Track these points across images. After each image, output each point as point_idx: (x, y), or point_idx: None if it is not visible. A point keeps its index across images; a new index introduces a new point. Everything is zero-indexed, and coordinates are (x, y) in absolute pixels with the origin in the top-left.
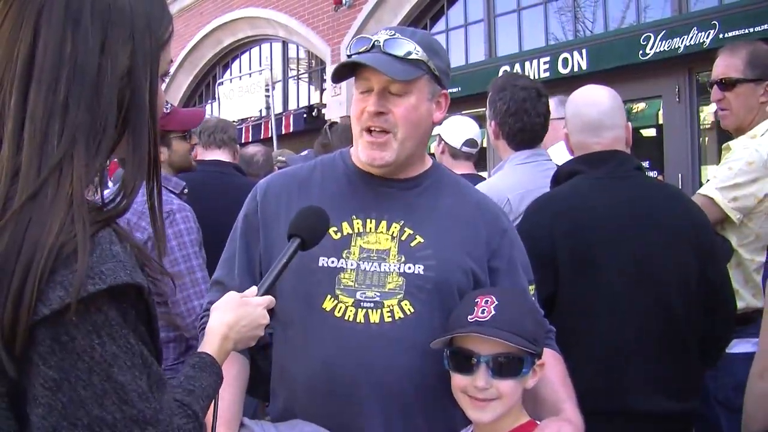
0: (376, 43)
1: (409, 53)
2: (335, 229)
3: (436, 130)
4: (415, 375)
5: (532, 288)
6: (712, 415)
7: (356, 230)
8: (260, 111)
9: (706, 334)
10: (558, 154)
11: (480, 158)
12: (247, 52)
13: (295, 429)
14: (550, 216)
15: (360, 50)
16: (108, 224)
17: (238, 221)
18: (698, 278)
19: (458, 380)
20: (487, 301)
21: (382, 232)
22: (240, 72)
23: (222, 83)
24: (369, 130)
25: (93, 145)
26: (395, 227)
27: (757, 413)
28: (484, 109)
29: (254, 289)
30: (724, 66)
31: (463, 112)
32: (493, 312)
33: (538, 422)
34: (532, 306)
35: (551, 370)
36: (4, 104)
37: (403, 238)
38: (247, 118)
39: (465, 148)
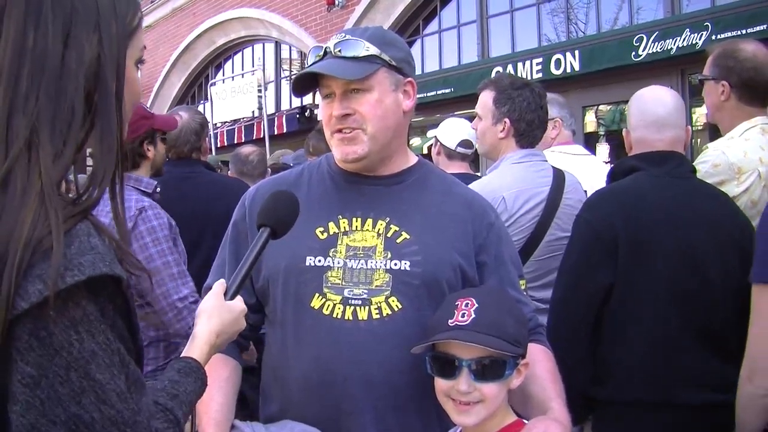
0: (327, 49)
1: (358, 50)
2: (322, 229)
3: (431, 133)
4: (405, 370)
5: (523, 282)
6: None
7: (342, 229)
8: (253, 112)
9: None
10: (548, 157)
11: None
12: (240, 53)
13: (285, 429)
14: (613, 208)
15: (315, 59)
16: (84, 217)
17: (228, 229)
18: (741, 283)
19: (441, 384)
20: (467, 304)
21: (368, 229)
22: (233, 72)
23: (214, 83)
24: (339, 131)
25: (59, 135)
26: (381, 224)
27: (749, 417)
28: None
29: (222, 281)
30: (706, 63)
31: (457, 112)
32: (474, 315)
33: (526, 421)
34: (512, 305)
35: (540, 366)
36: None
37: (389, 234)
38: (240, 119)
39: (460, 149)
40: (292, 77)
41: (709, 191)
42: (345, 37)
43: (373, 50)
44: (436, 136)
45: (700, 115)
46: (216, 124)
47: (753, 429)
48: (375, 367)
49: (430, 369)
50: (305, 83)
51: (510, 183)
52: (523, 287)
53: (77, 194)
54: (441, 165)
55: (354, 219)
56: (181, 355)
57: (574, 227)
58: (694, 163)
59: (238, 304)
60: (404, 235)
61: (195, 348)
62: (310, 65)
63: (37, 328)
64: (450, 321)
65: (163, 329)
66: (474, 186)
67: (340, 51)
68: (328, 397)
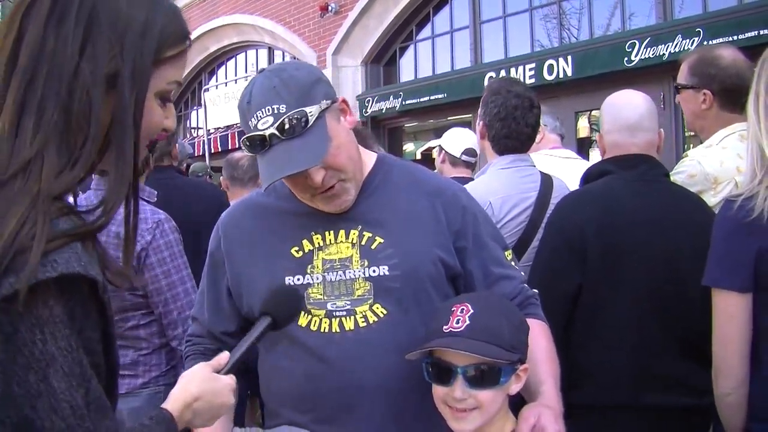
0: (267, 136)
1: (305, 123)
2: (297, 248)
3: (435, 142)
4: (399, 375)
5: (508, 254)
6: None
7: (317, 245)
8: None
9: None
10: (536, 160)
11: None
12: (233, 59)
13: None
14: (583, 211)
15: (258, 149)
16: (81, 240)
17: (207, 258)
18: (706, 288)
19: (438, 391)
20: (462, 310)
21: (341, 241)
22: (226, 78)
23: (208, 89)
24: (322, 192)
25: (67, 152)
26: (354, 233)
27: (724, 416)
28: (469, 115)
29: (225, 355)
30: (680, 71)
31: (449, 118)
32: (468, 322)
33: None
34: (509, 310)
35: (535, 343)
36: None
37: (363, 242)
38: (233, 125)
39: (465, 157)
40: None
41: (683, 194)
42: (278, 111)
43: (312, 110)
44: (440, 145)
45: None
46: (209, 130)
47: (733, 427)
48: (368, 374)
49: (427, 375)
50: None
51: (497, 188)
52: (509, 258)
53: (81, 211)
54: (445, 172)
55: (327, 233)
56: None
57: (544, 230)
58: (671, 173)
59: (225, 377)
60: (378, 239)
61: (171, 402)
62: (263, 157)
63: (3, 322)
64: (445, 327)
65: (163, 338)
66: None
67: (285, 132)
68: (323, 408)
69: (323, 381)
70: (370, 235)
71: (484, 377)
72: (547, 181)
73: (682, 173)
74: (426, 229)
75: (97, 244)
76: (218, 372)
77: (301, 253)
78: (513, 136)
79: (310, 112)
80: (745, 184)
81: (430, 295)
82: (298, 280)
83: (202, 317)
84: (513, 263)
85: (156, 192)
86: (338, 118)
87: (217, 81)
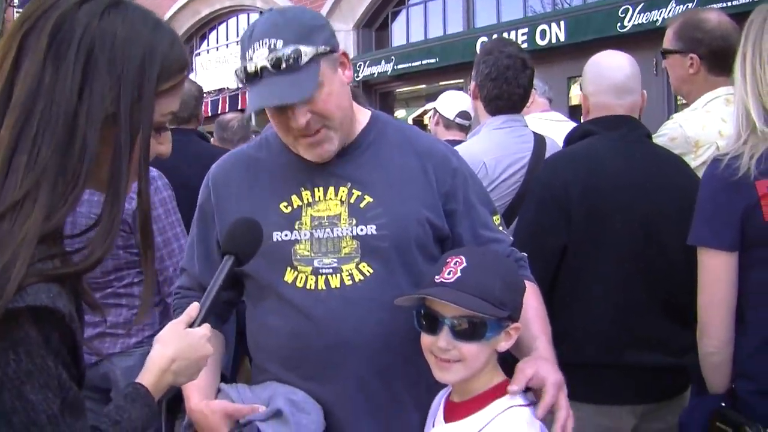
0: (259, 68)
1: (298, 60)
2: (285, 203)
3: (430, 105)
4: (383, 333)
5: (497, 218)
6: None
7: (306, 201)
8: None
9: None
10: (529, 123)
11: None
12: (225, 23)
13: (268, 390)
14: (568, 171)
15: (250, 80)
16: (61, 281)
17: (196, 211)
18: (691, 248)
19: (424, 339)
20: (456, 263)
21: (330, 198)
22: (218, 43)
23: (199, 54)
24: (304, 136)
25: (59, 195)
26: (343, 191)
27: (708, 374)
28: (461, 80)
29: (195, 306)
30: (665, 36)
31: (441, 83)
32: (459, 274)
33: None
34: (506, 269)
35: (525, 302)
36: None
37: (352, 200)
38: (224, 89)
39: (458, 120)
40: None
41: (666, 156)
42: (273, 47)
43: (307, 50)
44: (435, 107)
45: None
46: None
47: (715, 387)
48: (352, 333)
49: (417, 324)
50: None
51: (491, 149)
52: (497, 222)
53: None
54: (438, 134)
55: (316, 189)
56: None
57: (530, 188)
58: (653, 136)
59: (200, 329)
60: (367, 198)
61: (147, 373)
62: (252, 88)
63: None
64: (437, 277)
65: (159, 295)
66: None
67: (276, 67)
68: (308, 366)
69: (309, 339)
70: (360, 193)
71: (469, 330)
72: (540, 141)
73: (663, 136)
74: (415, 189)
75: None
76: (191, 325)
77: (290, 208)
78: (505, 96)
79: (305, 52)
80: (731, 145)
81: (417, 256)
82: (286, 235)
83: (192, 269)
84: (501, 228)
85: None
86: (335, 68)
87: (208, 45)
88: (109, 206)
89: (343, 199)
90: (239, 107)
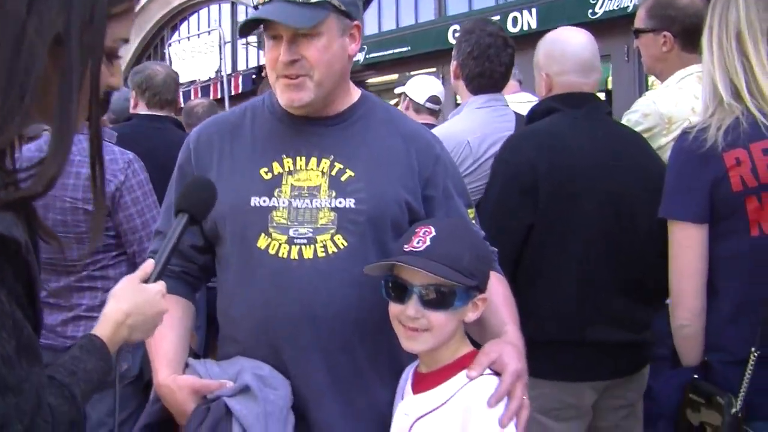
0: None
1: None
2: (266, 169)
3: (400, 89)
4: (351, 307)
5: (471, 212)
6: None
7: (287, 169)
8: (215, 72)
9: (655, 277)
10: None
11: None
12: (196, 14)
13: (236, 365)
14: (534, 149)
15: (261, 5)
16: (8, 209)
17: (174, 171)
18: (660, 222)
19: (393, 308)
20: (425, 232)
21: (312, 168)
22: (189, 33)
23: (171, 44)
24: (285, 75)
25: (4, 112)
26: (325, 163)
27: (681, 347)
28: (434, 68)
29: (150, 263)
30: (636, 16)
31: (413, 71)
32: (429, 243)
33: (479, 352)
34: (475, 241)
35: (494, 292)
36: None
37: (333, 173)
38: (195, 80)
39: (428, 104)
40: (249, 37)
41: (628, 135)
42: None
43: None
44: (405, 92)
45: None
46: None
47: (688, 359)
48: (320, 305)
49: (385, 293)
50: (252, 24)
51: (474, 127)
52: (471, 216)
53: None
54: None
55: (298, 158)
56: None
57: (493, 167)
58: (625, 113)
59: (155, 285)
60: (348, 172)
61: (102, 325)
62: (258, 7)
63: None
64: (406, 246)
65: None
66: (437, 130)
67: None
68: (276, 336)
69: (277, 308)
70: (342, 167)
71: (437, 298)
72: (521, 120)
73: (636, 112)
74: (397, 170)
75: (29, 205)
76: (146, 281)
77: (270, 175)
78: (487, 74)
79: None
80: (700, 118)
81: (390, 236)
82: (264, 201)
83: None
84: (474, 221)
85: (115, 133)
86: (344, 32)
87: (179, 36)
88: (57, 135)
89: (325, 170)
90: (210, 98)
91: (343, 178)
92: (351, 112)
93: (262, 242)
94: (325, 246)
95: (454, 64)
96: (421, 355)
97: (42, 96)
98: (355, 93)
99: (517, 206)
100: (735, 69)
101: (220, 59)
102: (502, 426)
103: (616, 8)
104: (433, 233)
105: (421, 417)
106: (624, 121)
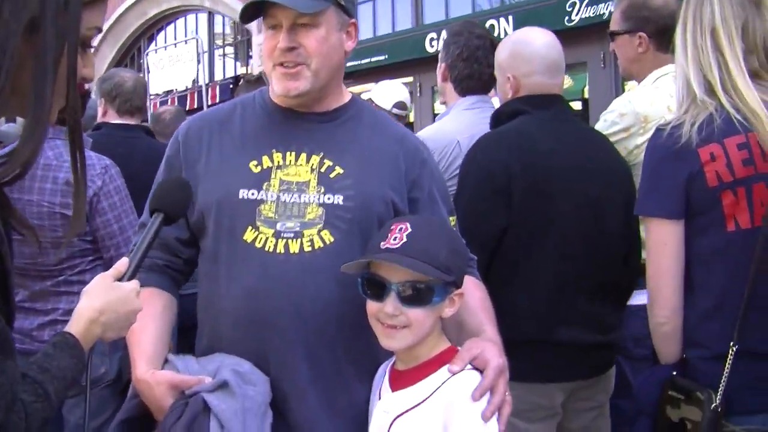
0: None
1: None
2: (255, 162)
3: (366, 95)
4: (335, 303)
5: (453, 219)
6: (617, 368)
7: (276, 163)
8: (192, 81)
9: (620, 279)
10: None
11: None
12: (173, 24)
13: (215, 361)
14: (505, 149)
15: None
16: None
17: (161, 164)
18: (626, 223)
19: (371, 306)
20: (401, 229)
21: (302, 164)
22: (165, 43)
23: (148, 54)
24: (282, 64)
25: None
26: (315, 159)
27: (659, 345)
28: (410, 77)
29: (124, 261)
30: (612, 19)
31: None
32: (405, 239)
33: (460, 348)
34: (451, 236)
35: (471, 296)
36: None
37: (322, 169)
38: (173, 90)
39: (395, 110)
40: (226, 47)
41: (597, 137)
42: None
43: None
44: (371, 98)
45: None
46: (150, 95)
47: (667, 357)
48: (306, 300)
49: (362, 291)
50: (252, 11)
51: (463, 128)
52: (453, 223)
53: None
54: None
55: (288, 153)
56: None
57: (463, 169)
58: (602, 113)
59: (129, 283)
60: (338, 170)
61: (75, 322)
62: None
63: None
64: (382, 243)
65: None
66: (425, 132)
67: None
68: (258, 331)
69: (261, 300)
70: (331, 163)
71: (416, 295)
72: None
73: (613, 111)
74: (385, 170)
75: (4, 197)
76: (120, 279)
77: (259, 168)
78: (475, 76)
79: None
80: (674, 115)
81: (376, 233)
82: (253, 194)
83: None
84: (455, 229)
85: (90, 140)
86: (341, 28)
87: (156, 46)
88: (31, 109)
89: (314, 167)
90: (188, 108)
91: (332, 175)
92: (343, 111)
93: (249, 235)
94: (311, 241)
95: (442, 66)
96: (398, 352)
97: (17, 81)
98: (347, 94)
99: (490, 208)
100: (709, 65)
101: (198, 69)
102: (485, 420)
103: (592, 15)
104: (409, 229)
105: (401, 414)
106: (601, 121)
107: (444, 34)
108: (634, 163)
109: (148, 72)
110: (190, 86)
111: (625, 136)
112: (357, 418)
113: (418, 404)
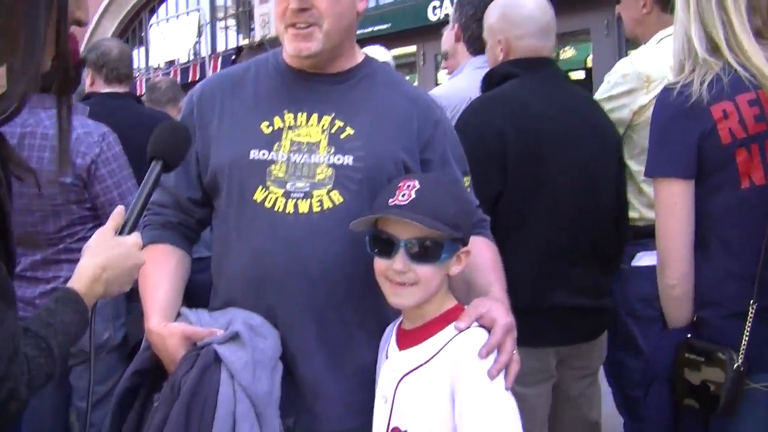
0: None
1: None
2: (267, 123)
3: None
4: (343, 264)
5: (467, 179)
6: (624, 328)
7: (288, 124)
8: (195, 53)
9: (611, 243)
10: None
11: None
12: None
13: (228, 314)
14: (499, 115)
15: None
16: None
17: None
18: (617, 186)
19: (379, 264)
20: (408, 186)
21: (312, 125)
22: (167, 15)
23: (150, 26)
24: (293, 25)
25: None
26: (326, 120)
27: (669, 309)
28: (413, 46)
29: (120, 210)
30: None
31: (394, 49)
32: (414, 196)
33: (467, 307)
34: (460, 194)
35: (482, 255)
36: None
37: (333, 130)
38: (175, 62)
39: None
40: (228, 18)
41: (588, 99)
42: None
43: None
44: None
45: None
46: (153, 67)
47: (677, 320)
48: (314, 261)
49: (369, 248)
50: None
51: (476, 86)
52: (467, 183)
53: None
54: None
55: (299, 114)
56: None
57: (456, 132)
58: (606, 75)
59: (130, 237)
60: (348, 130)
61: (77, 279)
62: None
63: None
64: (390, 200)
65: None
66: (439, 90)
67: None
68: (266, 290)
69: (271, 261)
70: (342, 124)
71: (425, 251)
72: None
73: (616, 73)
74: (397, 130)
75: (3, 141)
76: (121, 232)
77: (270, 129)
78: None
79: None
80: (674, 77)
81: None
82: (263, 155)
83: (168, 182)
84: (469, 189)
85: (87, 108)
86: None
87: (158, 18)
88: (23, 45)
89: (325, 127)
90: (190, 80)
91: (342, 136)
92: (355, 71)
93: (259, 195)
94: (321, 201)
95: (455, 27)
96: (406, 310)
97: (7, 24)
98: (360, 55)
99: (484, 172)
100: (714, 24)
101: (199, 41)
102: (491, 378)
103: None
104: (418, 186)
105: (409, 373)
106: (605, 83)
107: None
108: (637, 122)
109: (150, 44)
110: (192, 58)
111: (630, 98)
112: (364, 378)
113: (425, 362)
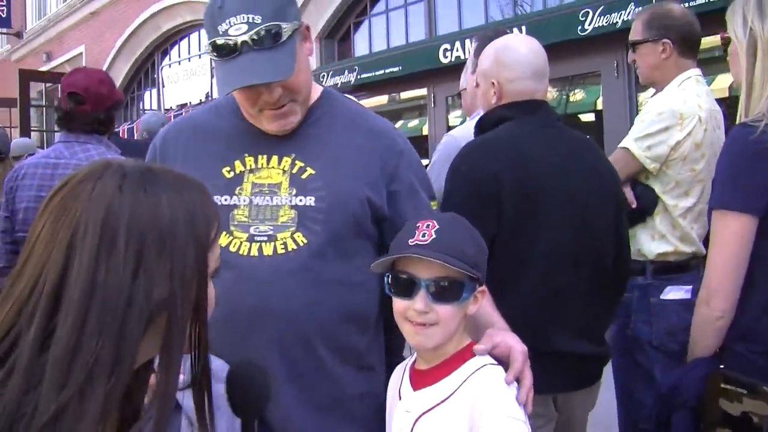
0: (239, 44)
1: (278, 36)
2: (228, 168)
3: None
4: (311, 303)
5: (434, 204)
6: (646, 362)
7: (249, 167)
8: (207, 95)
9: (610, 285)
10: None
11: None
12: (186, 38)
13: (187, 359)
14: (493, 161)
15: (225, 55)
16: None
17: None
18: (616, 227)
19: (398, 305)
20: (428, 226)
21: (273, 167)
22: (179, 57)
23: (163, 68)
24: (270, 107)
25: (114, 385)
26: (286, 161)
27: (703, 338)
28: (424, 89)
29: None
30: (632, 30)
31: (404, 91)
32: (434, 236)
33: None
34: (475, 232)
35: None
36: (21, 329)
37: (294, 171)
38: (186, 104)
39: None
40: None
41: (583, 140)
42: (253, 21)
43: (286, 27)
44: None
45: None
46: (166, 109)
47: (706, 350)
48: (280, 301)
49: (388, 289)
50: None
51: None
52: (435, 208)
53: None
54: None
55: (260, 156)
56: None
57: (449, 179)
58: (637, 117)
59: None
60: (309, 170)
61: None
62: (226, 64)
63: None
64: (411, 240)
65: None
66: (459, 130)
67: (258, 43)
68: (234, 332)
69: (237, 302)
70: (303, 165)
71: (446, 291)
72: None
73: (650, 112)
74: (359, 167)
75: None
76: None
77: (232, 173)
78: None
79: (285, 28)
80: (745, 114)
81: (351, 233)
82: (226, 200)
83: None
84: (436, 210)
85: (119, 150)
86: (302, 42)
87: (170, 60)
88: (163, 378)
89: (286, 168)
90: None
91: (303, 176)
92: (313, 111)
93: (224, 240)
94: (285, 243)
95: (474, 73)
96: (424, 351)
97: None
98: (315, 91)
99: (479, 216)
100: None
101: (212, 83)
102: (520, 403)
103: (605, 24)
104: (437, 226)
105: (426, 412)
106: (638, 122)
107: (474, 41)
108: (673, 158)
109: (163, 86)
110: (204, 99)
111: (666, 134)
112: (343, 412)
113: (443, 401)
